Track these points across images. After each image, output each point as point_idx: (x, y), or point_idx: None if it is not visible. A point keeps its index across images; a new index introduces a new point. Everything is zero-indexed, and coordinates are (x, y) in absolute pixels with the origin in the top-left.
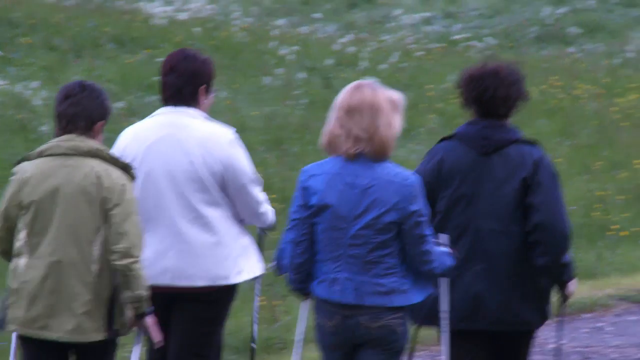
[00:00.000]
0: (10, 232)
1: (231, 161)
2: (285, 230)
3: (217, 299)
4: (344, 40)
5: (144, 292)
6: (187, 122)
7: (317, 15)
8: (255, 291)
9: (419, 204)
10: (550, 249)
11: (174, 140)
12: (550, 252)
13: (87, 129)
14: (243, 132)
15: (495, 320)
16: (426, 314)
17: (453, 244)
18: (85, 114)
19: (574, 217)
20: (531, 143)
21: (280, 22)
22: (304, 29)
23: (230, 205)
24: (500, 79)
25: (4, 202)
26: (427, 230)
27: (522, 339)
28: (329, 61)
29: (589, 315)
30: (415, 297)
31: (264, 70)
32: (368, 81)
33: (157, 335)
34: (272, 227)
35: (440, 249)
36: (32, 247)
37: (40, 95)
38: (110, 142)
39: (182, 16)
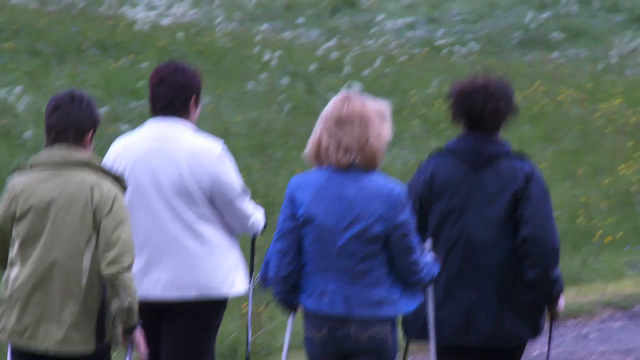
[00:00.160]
0: (5, 243)
1: (219, 176)
2: (272, 240)
3: (207, 311)
4: (327, 45)
5: (133, 304)
6: (176, 134)
7: (301, 20)
8: (249, 301)
9: (406, 215)
10: (539, 262)
11: (164, 153)
12: (539, 265)
13: (78, 140)
14: (227, 137)
15: (487, 336)
16: (420, 329)
17: (444, 257)
18: (75, 125)
19: (557, 222)
20: (522, 157)
21: (264, 27)
22: (287, 34)
23: (219, 217)
24: (490, 93)
25: None
26: (415, 241)
27: (514, 353)
28: (313, 66)
29: (573, 321)
30: (405, 307)
31: (248, 76)
32: (355, 92)
33: (144, 350)
34: (263, 230)
35: (427, 257)
36: (23, 257)
37: (23, 100)
38: (95, 148)
39: (166, 21)
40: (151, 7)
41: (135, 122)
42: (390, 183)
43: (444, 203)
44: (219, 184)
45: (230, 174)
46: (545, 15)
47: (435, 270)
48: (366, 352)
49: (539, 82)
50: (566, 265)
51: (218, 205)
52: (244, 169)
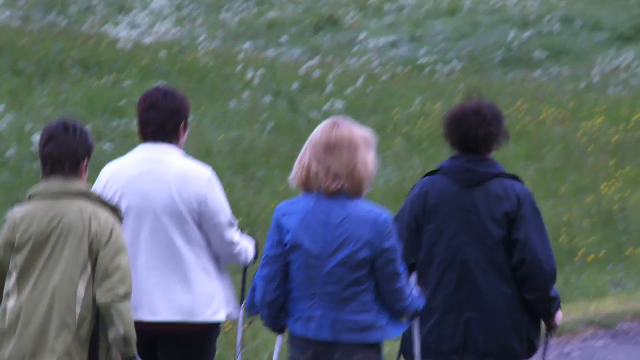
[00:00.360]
0: (2, 275)
1: (207, 199)
2: (260, 266)
3: (197, 338)
4: (310, 64)
5: (129, 333)
6: (166, 158)
7: (283, 39)
8: (238, 325)
9: (392, 241)
10: (538, 285)
11: (154, 176)
12: (539, 288)
13: (74, 170)
14: (209, 156)
15: (485, 353)
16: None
17: (440, 277)
18: (70, 155)
19: None
20: (514, 178)
21: (246, 46)
22: (270, 53)
23: (207, 243)
24: (482, 116)
25: None
26: (401, 268)
27: None
28: (295, 85)
29: (556, 340)
30: (392, 332)
31: (230, 94)
32: (343, 119)
33: None
34: (251, 263)
35: (413, 289)
36: (20, 287)
37: (6, 119)
38: None
39: (148, 40)
40: (134, 26)
41: (118, 140)
42: (377, 209)
43: (437, 223)
44: (207, 207)
45: (219, 198)
46: (528, 34)
47: (421, 304)
48: None
49: (521, 101)
50: None
51: (205, 230)
52: (227, 188)
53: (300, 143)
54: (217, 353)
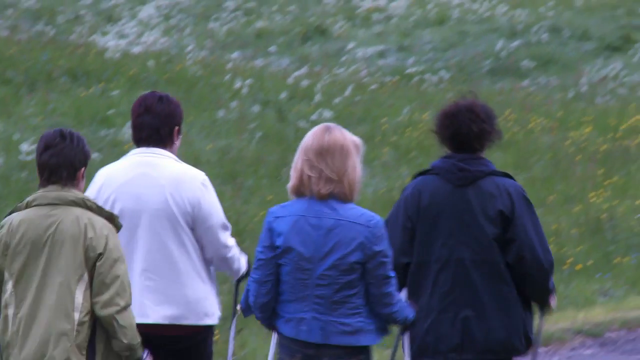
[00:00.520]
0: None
1: (201, 202)
2: (252, 269)
3: (190, 341)
4: (298, 73)
5: (133, 341)
6: (160, 162)
7: (272, 48)
8: (230, 334)
9: (383, 245)
10: (537, 280)
11: (147, 180)
12: (538, 283)
13: (71, 178)
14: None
15: (483, 350)
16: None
17: (436, 276)
18: (67, 163)
19: None
20: (506, 175)
21: (234, 55)
22: (258, 62)
23: (201, 247)
24: (475, 114)
25: None
26: (391, 272)
27: None
28: (283, 94)
29: (544, 349)
30: (379, 337)
31: (218, 104)
32: (334, 124)
33: None
34: (243, 275)
35: (402, 298)
36: (18, 296)
37: None
38: None
39: (136, 49)
40: (122, 36)
41: (106, 150)
42: (368, 213)
43: (430, 222)
44: (200, 210)
45: (212, 201)
46: (516, 43)
47: (410, 314)
48: None
49: (509, 110)
50: None
51: (198, 232)
52: None
53: (288, 152)
54: None
